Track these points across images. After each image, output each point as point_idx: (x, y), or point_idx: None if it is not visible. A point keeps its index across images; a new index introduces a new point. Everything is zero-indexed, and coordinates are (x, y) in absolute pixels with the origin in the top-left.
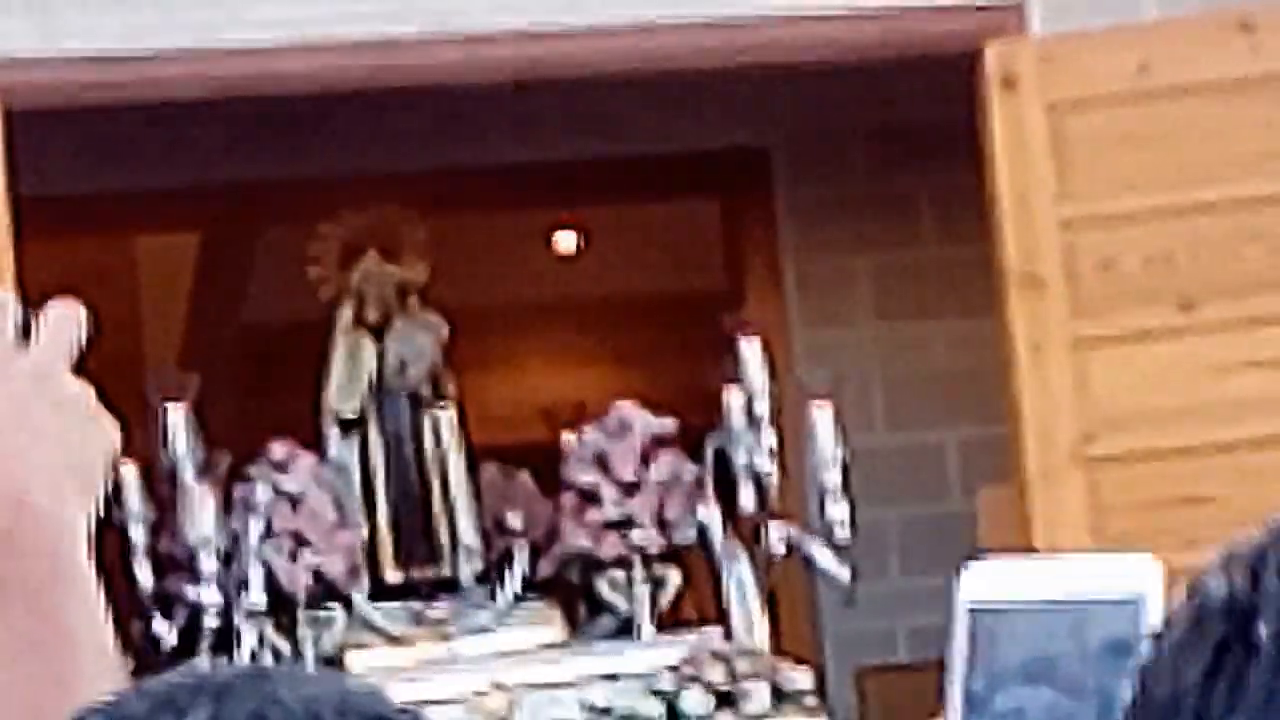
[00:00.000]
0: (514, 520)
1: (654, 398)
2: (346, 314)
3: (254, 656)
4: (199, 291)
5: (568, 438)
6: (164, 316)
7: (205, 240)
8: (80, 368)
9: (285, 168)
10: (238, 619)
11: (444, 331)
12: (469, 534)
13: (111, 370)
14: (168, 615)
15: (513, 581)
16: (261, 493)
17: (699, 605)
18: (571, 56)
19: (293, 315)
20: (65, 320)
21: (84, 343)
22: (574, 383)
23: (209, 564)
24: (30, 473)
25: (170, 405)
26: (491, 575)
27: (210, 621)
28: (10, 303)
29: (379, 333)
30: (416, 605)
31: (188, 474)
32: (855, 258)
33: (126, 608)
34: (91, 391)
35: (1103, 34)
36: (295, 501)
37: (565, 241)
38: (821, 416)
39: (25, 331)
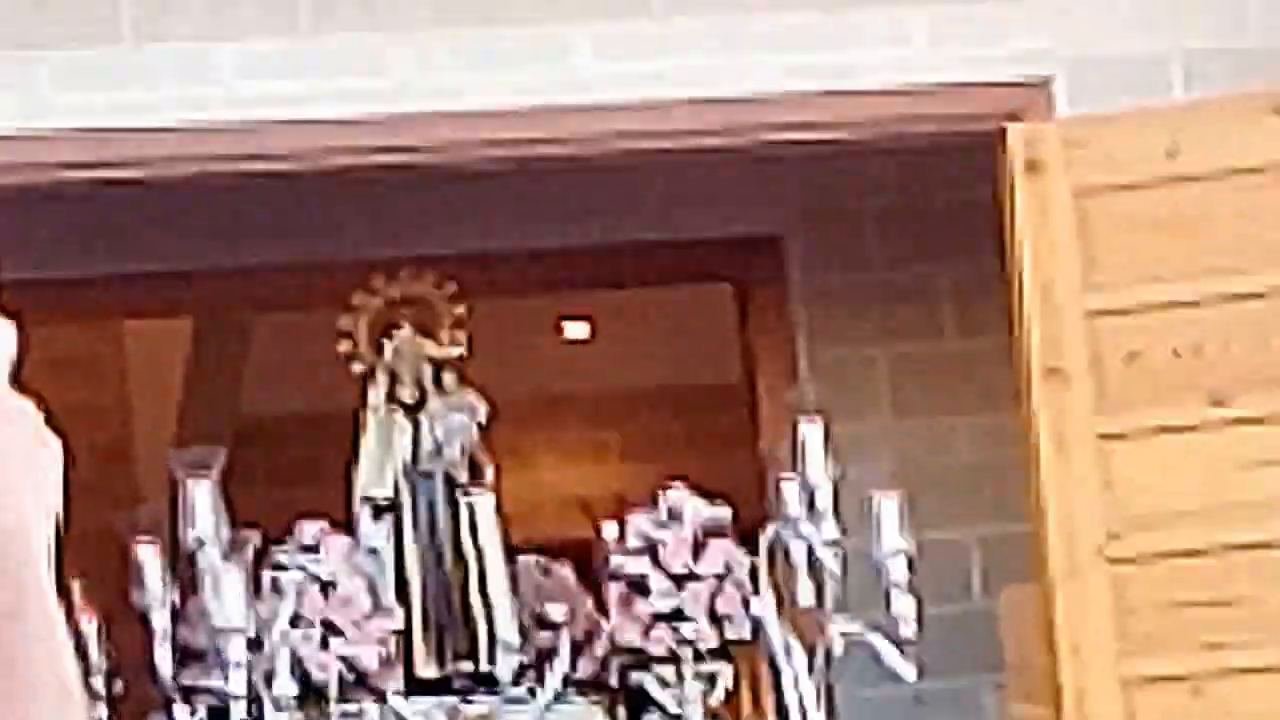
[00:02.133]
0: (556, 613)
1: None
2: (379, 392)
3: None
4: (192, 381)
5: (608, 528)
6: (155, 405)
7: (198, 327)
8: (66, 448)
9: (280, 252)
10: (266, 711)
11: (482, 411)
12: (507, 627)
13: (101, 460)
14: (190, 707)
15: (554, 678)
16: (291, 577)
17: (753, 704)
18: (578, 135)
19: (293, 406)
20: None
21: (15, 361)
22: (583, 476)
23: (237, 651)
24: None
25: (195, 480)
26: (530, 671)
27: (238, 713)
28: None
29: (413, 412)
30: (452, 701)
31: (215, 554)
32: (872, 348)
33: (145, 698)
34: (35, 410)
35: (1131, 116)
36: (327, 586)
37: (574, 330)
38: (886, 507)
39: None
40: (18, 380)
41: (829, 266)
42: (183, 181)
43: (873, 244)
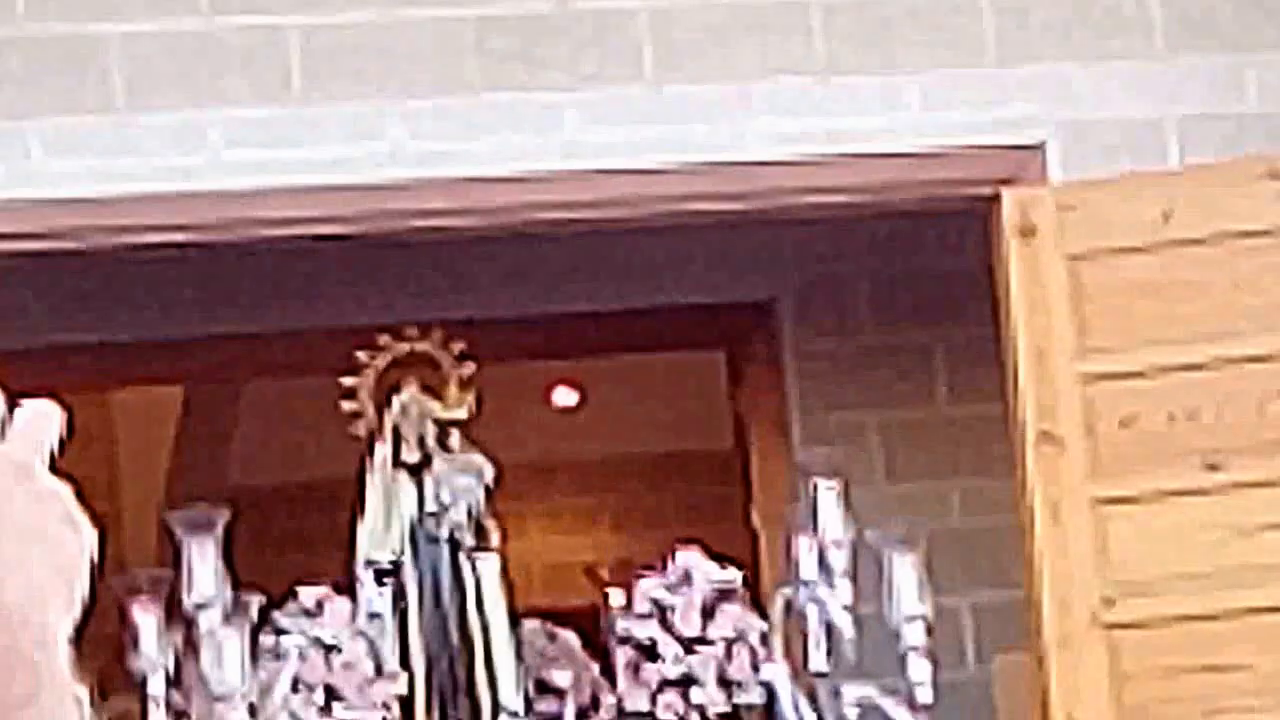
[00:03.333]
0: (561, 679)
1: (654, 560)
2: (383, 452)
3: None
4: (181, 449)
5: (615, 593)
6: (142, 476)
7: (188, 395)
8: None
9: (270, 319)
10: None
11: (489, 473)
12: (511, 693)
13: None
14: None
15: None
16: (293, 641)
17: None
18: (569, 201)
19: (283, 477)
20: (42, 417)
21: (59, 445)
22: (574, 544)
23: (238, 716)
24: (5, 570)
25: (197, 540)
26: None
27: None
28: None
29: (417, 473)
30: None
31: (216, 617)
32: (865, 413)
33: None
34: (69, 493)
35: (1125, 180)
36: (329, 651)
37: (564, 397)
38: (902, 568)
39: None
40: (54, 463)
41: (822, 331)
42: (171, 249)
43: (865, 309)
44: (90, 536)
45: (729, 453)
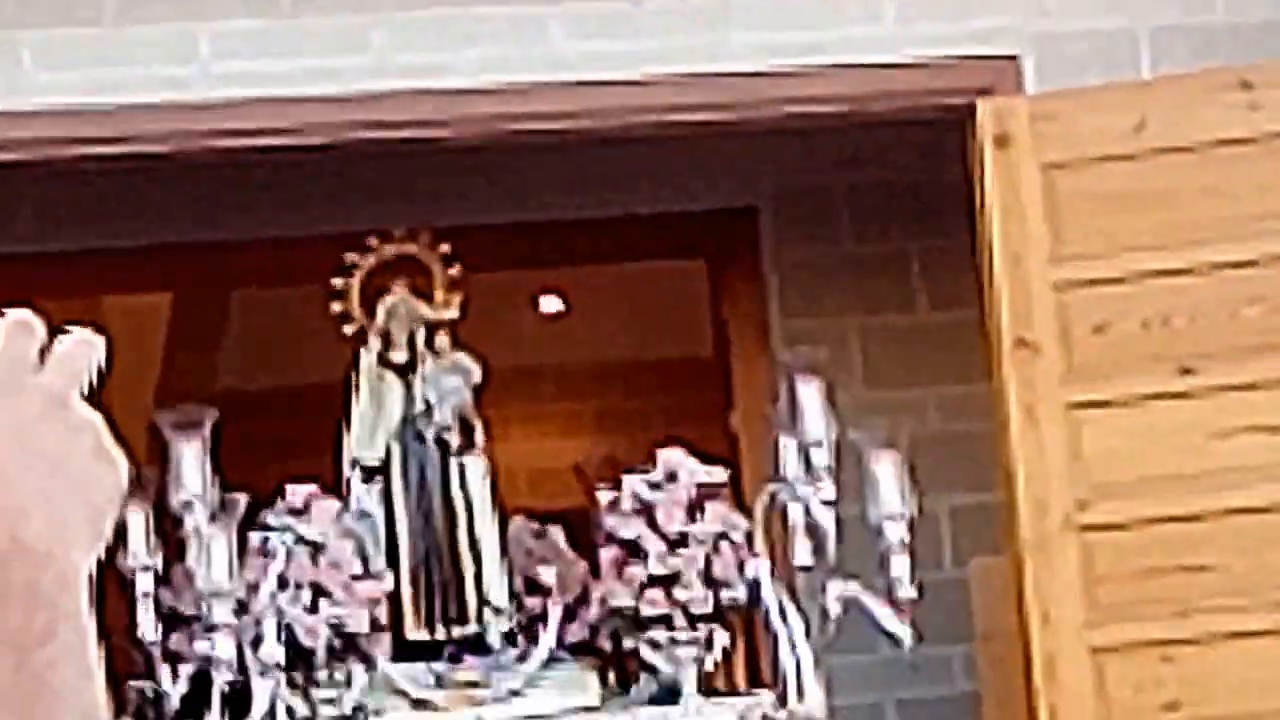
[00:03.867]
0: (547, 577)
1: (639, 463)
2: (371, 354)
3: (270, 717)
4: (170, 354)
5: (603, 493)
6: (132, 380)
7: (177, 301)
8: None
9: (259, 227)
10: (251, 676)
11: (476, 374)
12: (498, 591)
13: None
14: (174, 672)
15: (544, 642)
16: (279, 539)
17: (749, 667)
18: (554, 112)
19: (273, 382)
20: (82, 347)
21: (98, 376)
22: (557, 448)
23: (224, 614)
24: (31, 503)
25: (184, 440)
26: (521, 636)
27: (222, 678)
28: (36, 325)
29: (405, 374)
30: (441, 666)
31: (202, 516)
32: (844, 320)
33: (127, 664)
34: (104, 425)
35: (1099, 91)
36: (316, 549)
37: (549, 304)
38: (884, 468)
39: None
40: (95, 392)
41: (802, 240)
42: (162, 158)
43: (845, 218)
44: (123, 470)
45: (709, 359)
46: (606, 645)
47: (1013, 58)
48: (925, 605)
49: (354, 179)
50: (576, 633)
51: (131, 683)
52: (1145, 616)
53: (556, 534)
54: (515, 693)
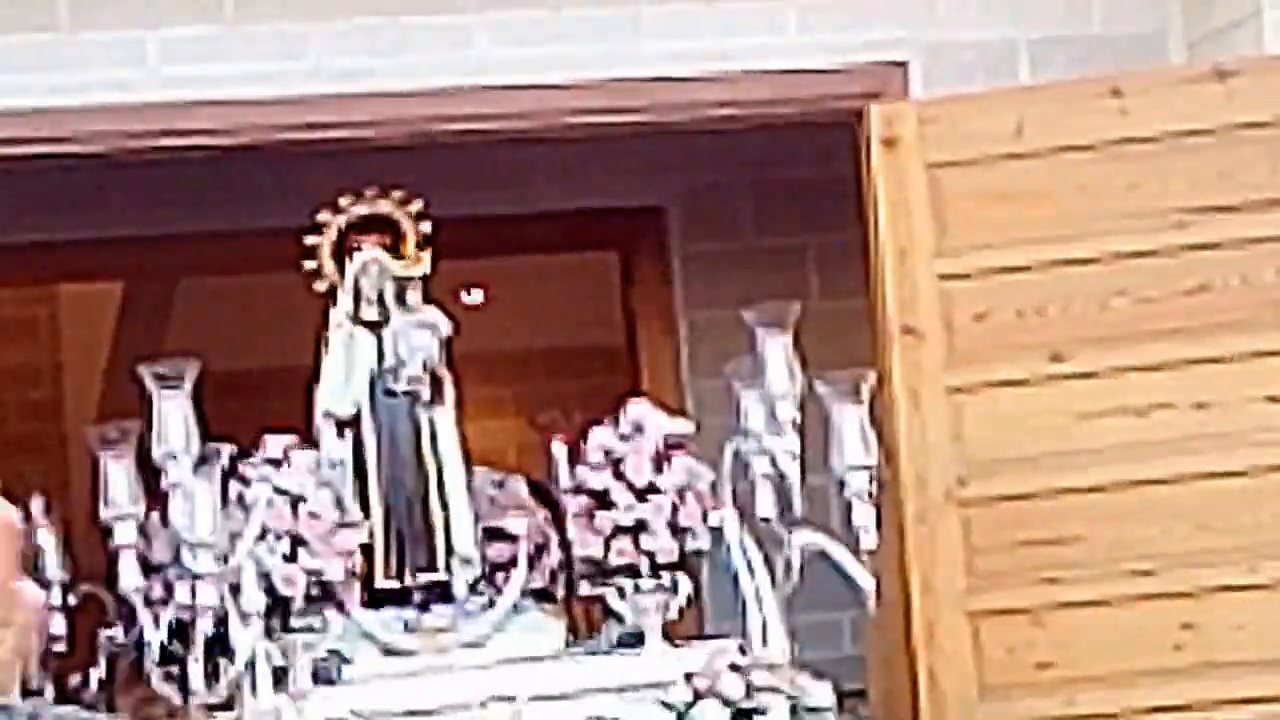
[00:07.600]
0: (515, 526)
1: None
2: (342, 309)
3: (249, 664)
4: (119, 341)
5: (559, 447)
6: (85, 365)
7: (126, 291)
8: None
9: (202, 221)
10: (231, 624)
11: (445, 328)
12: (466, 540)
13: (33, 417)
14: (154, 621)
15: (511, 590)
16: (259, 490)
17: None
18: (477, 114)
19: (216, 364)
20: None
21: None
22: (481, 430)
23: (206, 564)
24: None
25: (166, 392)
26: (484, 583)
27: (205, 625)
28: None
29: (376, 329)
30: (411, 613)
31: (185, 468)
32: (743, 309)
33: (104, 613)
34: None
35: (981, 97)
36: (295, 500)
37: (471, 296)
38: (849, 420)
39: None
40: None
41: (706, 235)
42: (112, 156)
43: (746, 215)
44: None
45: (621, 347)
46: (560, 592)
47: (902, 64)
48: (817, 574)
49: (291, 177)
50: (539, 581)
51: (103, 631)
52: (1018, 584)
53: (518, 484)
54: (484, 638)
